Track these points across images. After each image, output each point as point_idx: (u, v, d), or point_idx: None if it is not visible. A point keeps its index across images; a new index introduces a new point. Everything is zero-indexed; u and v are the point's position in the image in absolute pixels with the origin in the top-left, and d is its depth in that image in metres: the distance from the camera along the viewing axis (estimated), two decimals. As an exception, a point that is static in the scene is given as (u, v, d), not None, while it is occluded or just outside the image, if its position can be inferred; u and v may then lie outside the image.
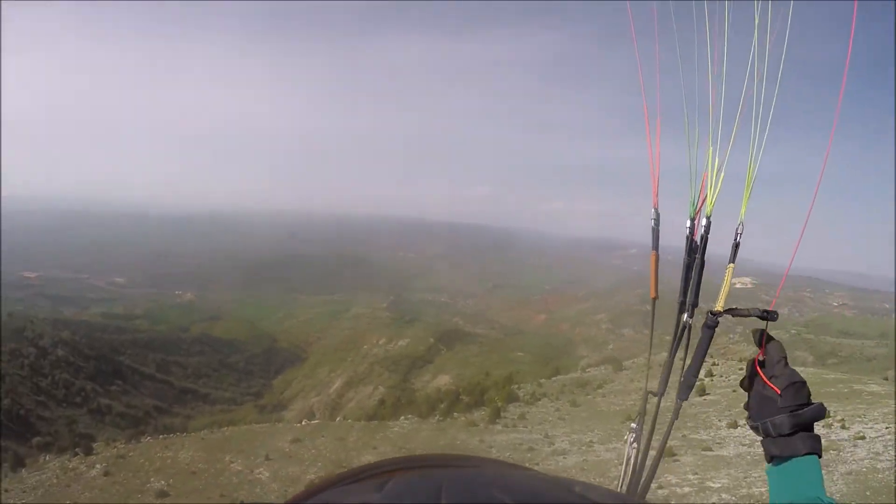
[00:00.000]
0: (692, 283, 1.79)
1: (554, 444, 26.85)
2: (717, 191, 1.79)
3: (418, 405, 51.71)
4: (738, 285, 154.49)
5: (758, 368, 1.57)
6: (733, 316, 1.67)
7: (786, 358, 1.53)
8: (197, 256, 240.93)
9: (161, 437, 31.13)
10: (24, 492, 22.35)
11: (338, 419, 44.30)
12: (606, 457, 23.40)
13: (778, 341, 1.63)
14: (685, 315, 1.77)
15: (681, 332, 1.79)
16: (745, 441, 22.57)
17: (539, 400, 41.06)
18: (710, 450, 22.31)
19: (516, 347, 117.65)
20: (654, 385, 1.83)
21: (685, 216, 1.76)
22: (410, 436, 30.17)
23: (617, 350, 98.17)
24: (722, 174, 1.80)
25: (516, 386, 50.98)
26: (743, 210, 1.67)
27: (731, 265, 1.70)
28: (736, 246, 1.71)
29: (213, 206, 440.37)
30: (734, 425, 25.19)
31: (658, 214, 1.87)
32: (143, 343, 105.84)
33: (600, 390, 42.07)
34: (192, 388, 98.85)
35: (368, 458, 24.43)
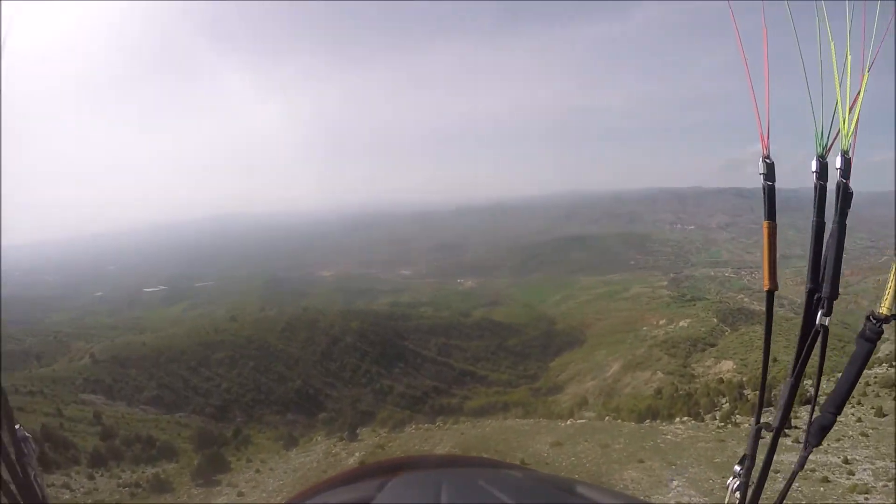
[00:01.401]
0: (827, 260, 1.28)
1: (855, 475, 20.71)
2: (858, 110, 1.25)
3: (697, 399, 48.51)
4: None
5: None
6: None
7: None
8: (478, 246, 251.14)
9: (424, 426, 33.17)
10: (285, 473, 25.31)
11: (606, 418, 42.79)
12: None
13: None
14: (818, 312, 1.29)
15: (811, 338, 1.32)
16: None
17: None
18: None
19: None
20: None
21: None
22: (684, 446, 26.29)
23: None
24: (865, 79, 1.25)
25: (809, 381, 45.02)
26: None
27: None
28: None
29: (492, 196, 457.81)
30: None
31: (770, 165, 1.33)
32: (426, 329, 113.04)
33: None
34: (471, 371, 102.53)
35: (632, 474, 22.55)
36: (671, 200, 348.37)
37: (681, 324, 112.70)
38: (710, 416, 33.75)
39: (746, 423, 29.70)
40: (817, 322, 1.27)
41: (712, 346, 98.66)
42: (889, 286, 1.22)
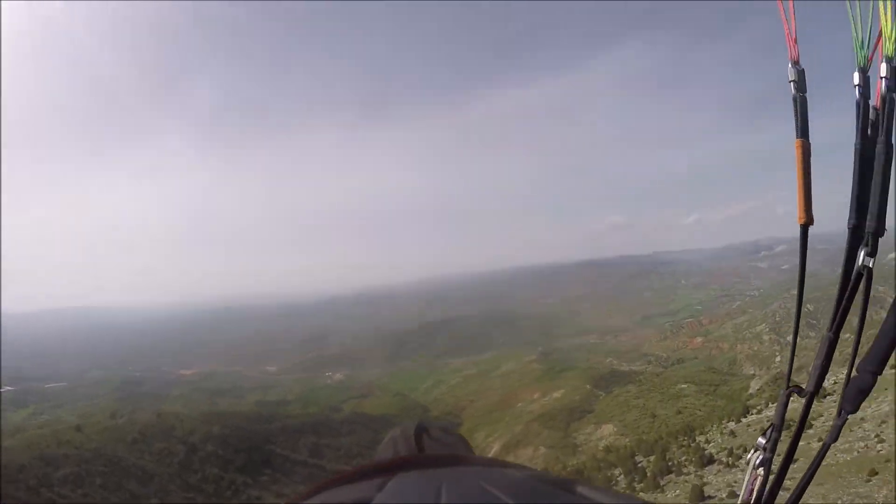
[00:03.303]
0: (874, 188, 1.05)
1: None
2: None
3: (587, 475, 45.03)
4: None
5: None
6: None
7: None
8: (345, 337, 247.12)
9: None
10: None
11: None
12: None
13: None
14: (861, 251, 1.07)
15: (852, 282, 1.09)
16: None
17: (741, 459, 33.13)
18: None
19: (678, 379, 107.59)
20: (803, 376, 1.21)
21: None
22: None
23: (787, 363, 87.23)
24: None
25: (702, 437, 43.14)
26: None
27: None
28: None
29: (357, 285, 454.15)
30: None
31: (801, 72, 1.14)
32: (295, 428, 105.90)
33: (810, 431, 32.61)
34: (331, 475, 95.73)
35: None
36: (532, 277, 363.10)
37: (555, 395, 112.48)
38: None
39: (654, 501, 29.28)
40: (859, 262, 1.06)
41: (589, 412, 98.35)
42: None
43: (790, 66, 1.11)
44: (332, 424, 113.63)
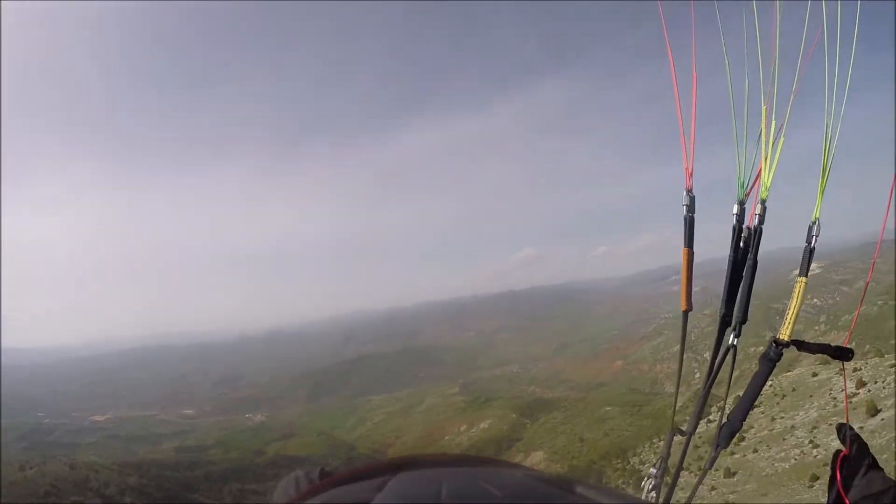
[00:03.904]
0: (741, 290, 1.45)
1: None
2: (775, 164, 1.44)
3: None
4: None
5: (837, 470, 1.25)
6: (800, 350, 1.38)
7: (872, 461, 1.24)
8: (262, 376, 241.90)
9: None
10: None
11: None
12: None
13: (864, 442, 1.29)
14: (731, 333, 1.46)
15: (722, 355, 1.48)
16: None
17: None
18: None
19: (602, 402, 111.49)
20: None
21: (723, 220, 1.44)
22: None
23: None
24: (781, 139, 1.46)
25: (635, 458, 45.35)
26: (819, 201, 1.34)
27: (803, 279, 1.34)
28: (810, 252, 1.35)
29: (270, 323, 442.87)
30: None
31: (692, 198, 1.48)
32: (217, 475, 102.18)
33: (743, 443, 35.40)
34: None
35: None
36: (447, 311, 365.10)
37: (482, 426, 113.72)
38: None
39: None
40: (729, 342, 1.44)
41: (518, 440, 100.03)
42: (788, 315, 1.36)
43: (684, 192, 1.46)
44: (256, 469, 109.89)
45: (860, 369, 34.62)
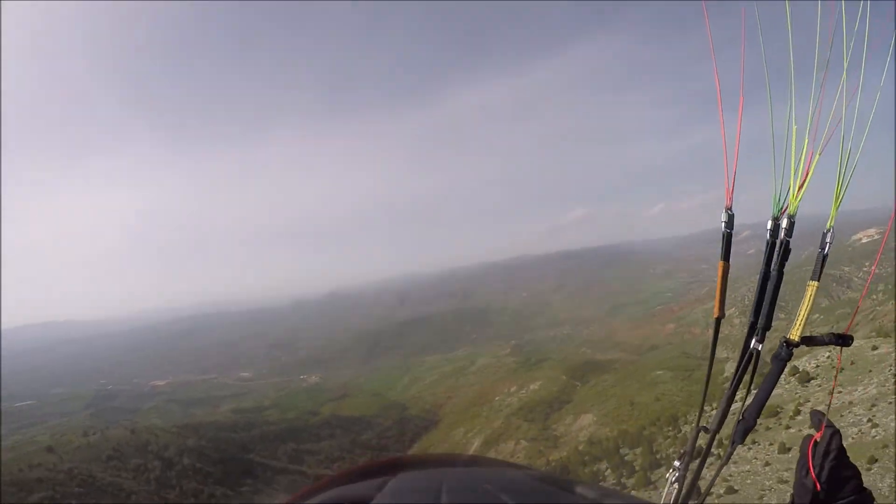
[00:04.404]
0: (766, 300, 1.59)
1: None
2: (807, 183, 1.53)
3: (572, 469, 45.17)
4: (863, 239, 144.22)
5: (809, 452, 1.35)
6: (808, 346, 1.49)
7: (841, 448, 1.33)
8: (317, 339, 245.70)
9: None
10: None
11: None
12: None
13: (836, 429, 1.40)
14: (753, 339, 1.60)
15: (745, 359, 1.62)
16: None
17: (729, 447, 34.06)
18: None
19: (653, 366, 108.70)
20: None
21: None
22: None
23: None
24: (817, 156, 1.53)
25: (687, 427, 43.65)
26: (833, 213, 1.43)
27: (815, 283, 1.46)
28: (823, 258, 1.45)
29: (326, 287, 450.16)
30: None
31: (731, 216, 1.63)
32: (273, 435, 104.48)
33: (799, 417, 33.22)
34: (327, 475, 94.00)
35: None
36: (501, 272, 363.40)
37: (532, 387, 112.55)
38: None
39: (647, 496, 28.19)
40: (751, 346, 1.59)
41: (568, 402, 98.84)
42: (799, 315, 1.46)
43: (724, 210, 1.60)
44: (310, 429, 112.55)
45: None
